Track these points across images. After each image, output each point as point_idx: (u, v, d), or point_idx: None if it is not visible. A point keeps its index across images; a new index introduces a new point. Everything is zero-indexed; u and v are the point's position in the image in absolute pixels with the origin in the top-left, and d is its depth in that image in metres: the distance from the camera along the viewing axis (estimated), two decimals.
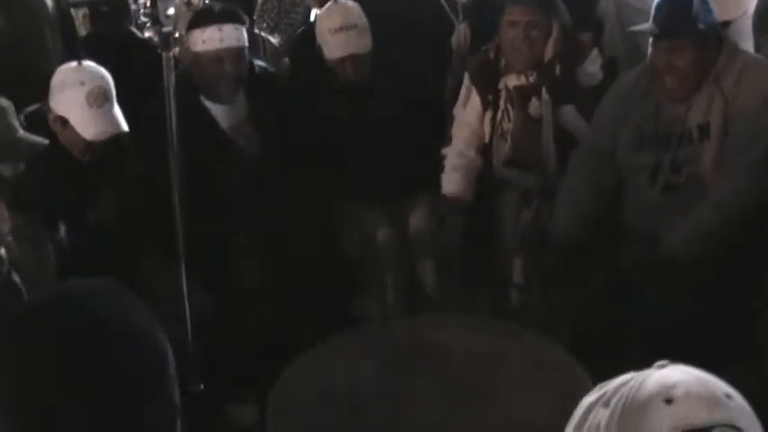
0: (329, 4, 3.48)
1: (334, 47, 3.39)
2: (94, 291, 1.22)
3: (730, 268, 2.74)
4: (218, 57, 3.24)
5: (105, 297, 1.21)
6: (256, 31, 4.36)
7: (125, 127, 2.90)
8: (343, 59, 3.37)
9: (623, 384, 1.10)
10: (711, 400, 1.05)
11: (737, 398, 1.08)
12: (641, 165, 2.99)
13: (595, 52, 3.37)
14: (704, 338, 2.63)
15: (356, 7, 3.43)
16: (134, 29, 4.22)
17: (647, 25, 2.94)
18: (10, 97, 2.97)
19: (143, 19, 4.79)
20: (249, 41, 3.42)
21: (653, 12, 2.91)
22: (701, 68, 2.87)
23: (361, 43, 3.39)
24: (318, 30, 3.47)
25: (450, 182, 3.38)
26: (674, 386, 1.07)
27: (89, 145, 2.90)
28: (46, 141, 2.83)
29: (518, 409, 2.44)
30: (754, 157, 2.82)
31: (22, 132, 2.78)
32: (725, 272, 2.74)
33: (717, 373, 1.12)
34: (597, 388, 1.14)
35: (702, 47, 2.86)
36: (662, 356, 1.15)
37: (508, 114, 3.34)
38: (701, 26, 2.84)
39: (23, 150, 2.77)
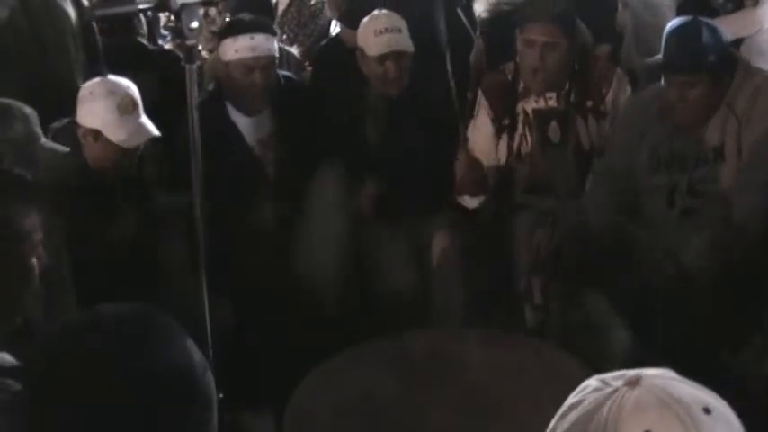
0: (374, 11, 3.50)
1: (377, 45, 3.40)
2: (127, 316, 1.24)
3: (749, 282, 2.74)
4: (249, 66, 3.27)
5: (137, 321, 1.22)
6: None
7: (156, 132, 2.92)
8: (386, 56, 3.39)
9: (597, 409, 1.10)
10: (688, 422, 1.06)
11: (719, 408, 1.09)
12: (657, 186, 2.98)
13: (621, 75, 3.30)
14: (722, 351, 2.63)
15: (400, 17, 3.47)
16: (143, 41, 4.19)
17: (658, 58, 2.91)
18: (33, 106, 3.01)
19: (163, 32, 4.81)
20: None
21: (663, 42, 2.88)
22: (714, 97, 2.85)
23: (405, 44, 3.42)
24: (361, 33, 3.48)
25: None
26: (647, 413, 1.07)
27: (123, 155, 2.91)
28: (66, 149, 2.86)
29: (534, 423, 2.44)
30: None
31: (44, 140, 2.83)
32: (743, 285, 2.73)
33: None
34: (574, 394, 1.15)
35: (715, 77, 2.83)
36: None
37: (526, 138, 3.31)
38: (711, 58, 2.80)
39: (44, 158, 2.81)
